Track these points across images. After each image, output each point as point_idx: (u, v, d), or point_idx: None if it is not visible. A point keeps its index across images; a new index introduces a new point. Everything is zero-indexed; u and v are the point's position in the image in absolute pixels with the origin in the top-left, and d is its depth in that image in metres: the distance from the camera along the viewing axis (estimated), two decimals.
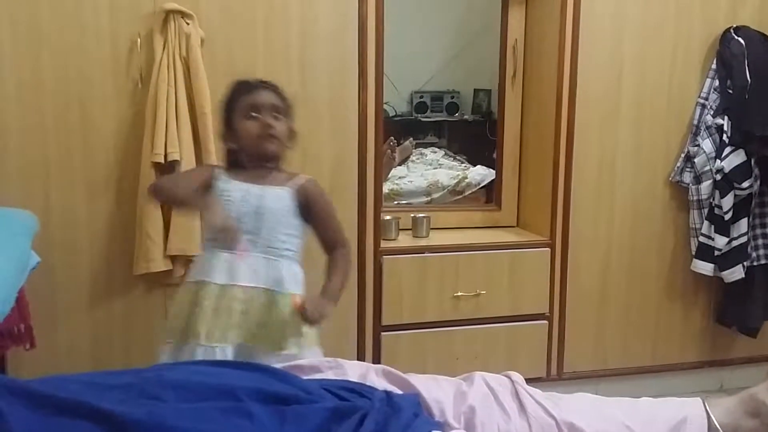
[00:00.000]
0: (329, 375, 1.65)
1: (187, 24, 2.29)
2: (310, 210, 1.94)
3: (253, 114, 1.89)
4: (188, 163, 2.30)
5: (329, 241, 1.98)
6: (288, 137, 1.96)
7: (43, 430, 1.23)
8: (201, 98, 2.30)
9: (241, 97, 1.92)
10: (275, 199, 1.88)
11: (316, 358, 1.75)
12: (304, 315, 1.81)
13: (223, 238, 1.79)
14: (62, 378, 1.45)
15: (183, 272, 2.33)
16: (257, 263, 1.85)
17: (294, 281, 1.90)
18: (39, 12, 2.24)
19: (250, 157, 1.92)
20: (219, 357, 1.77)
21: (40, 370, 1.78)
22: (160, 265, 2.29)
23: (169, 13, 2.28)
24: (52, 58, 2.27)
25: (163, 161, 2.25)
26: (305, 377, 1.60)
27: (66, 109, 2.30)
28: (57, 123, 2.29)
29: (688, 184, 2.86)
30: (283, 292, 1.85)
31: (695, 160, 2.81)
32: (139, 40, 2.31)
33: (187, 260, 2.32)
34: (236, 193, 1.87)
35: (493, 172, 3.15)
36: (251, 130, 1.89)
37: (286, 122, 1.94)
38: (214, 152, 2.31)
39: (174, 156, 2.26)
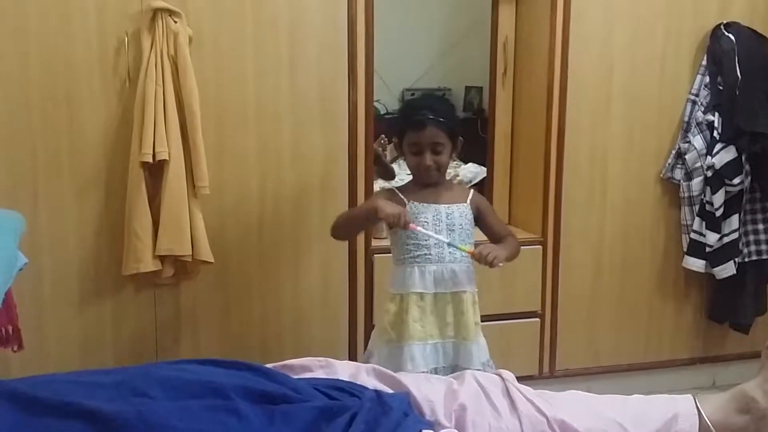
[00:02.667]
0: (320, 374, 1.65)
1: (175, 22, 2.27)
2: (481, 216, 2.19)
3: (415, 150, 2.07)
4: (177, 162, 2.28)
5: (499, 234, 2.21)
6: (449, 160, 2.14)
7: (31, 429, 1.22)
8: (189, 97, 2.28)
9: (407, 132, 2.09)
10: (460, 215, 2.11)
11: (306, 358, 1.74)
12: (481, 257, 2.00)
13: (397, 221, 1.95)
14: (49, 378, 1.44)
15: (172, 272, 2.33)
16: (447, 271, 2.07)
17: (471, 277, 2.14)
18: (25, 11, 2.22)
19: (417, 180, 2.15)
20: (432, 353, 2.04)
21: (28, 373, 1.76)
22: (149, 265, 2.27)
23: (156, 12, 2.26)
24: (39, 56, 2.25)
25: (151, 160, 2.23)
26: (296, 376, 1.60)
27: (53, 109, 2.28)
28: (44, 122, 2.28)
29: (680, 181, 2.86)
30: (458, 245, 2.04)
31: (686, 156, 2.81)
32: (126, 38, 2.29)
33: (175, 260, 2.31)
34: (428, 213, 2.08)
35: (485, 169, 3.15)
36: (412, 165, 2.11)
37: (448, 149, 2.09)
38: (203, 151, 2.29)
39: (162, 155, 2.24)
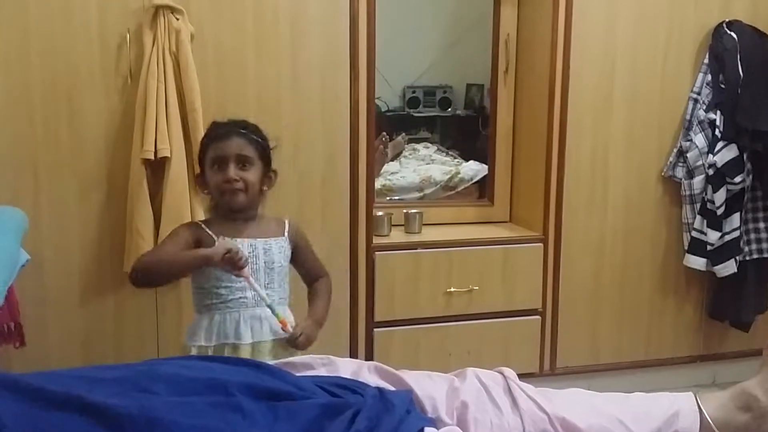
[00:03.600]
0: (322, 372, 1.65)
1: (177, 19, 2.28)
2: (298, 252, 2.01)
3: (217, 166, 1.86)
4: (178, 159, 2.28)
5: (314, 274, 2.05)
6: (260, 184, 1.91)
7: (34, 423, 1.22)
8: (191, 94, 2.29)
9: (210, 145, 1.89)
10: (279, 250, 1.92)
11: (308, 356, 1.74)
12: (292, 340, 1.85)
13: (232, 261, 1.76)
14: (53, 372, 1.44)
15: None
16: (265, 314, 1.87)
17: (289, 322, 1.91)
18: (27, 7, 2.22)
19: (222, 209, 1.91)
20: None
21: (30, 369, 1.77)
22: None
23: (158, 9, 2.26)
24: (41, 54, 2.25)
25: (153, 157, 2.23)
26: (298, 374, 1.60)
27: (55, 106, 2.28)
28: (46, 119, 2.28)
29: (681, 179, 2.86)
30: (274, 309, 1.84)
31: (688, 154, 2.81)
32: (128, 35, 2.29)
33: None
34: (242, 248, 1.83)
35: (486, 167, 3.15)
36: (215, 182, 1.86)
37: (257, 169, 1.89)
38: None
39: (164, 152, 2.24)
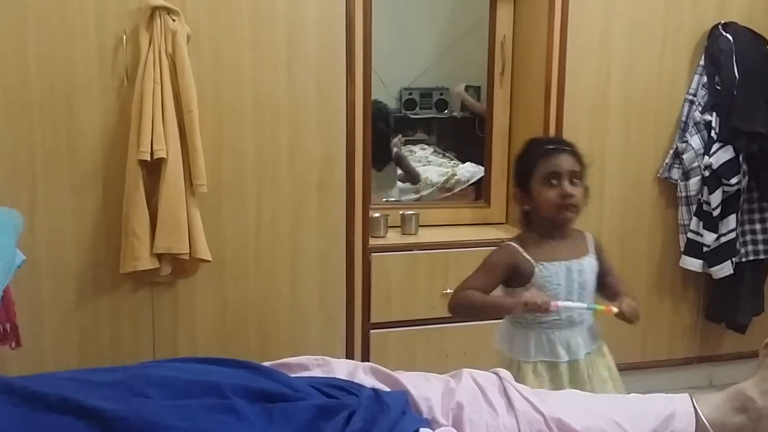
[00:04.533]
0: (317, 373, 1.64)
1: (173, 20, 2.27)
2: (601, 264, 1.98)
3: (553, 182, 1.86)
4: (174, 160, 2.27)
5: (614, 291, 1.97)
6: (584, 199, 1.93)
7: (30, 426, 1.22)
8: (187, 95, 2.28)
9: (540, 161, 1.89)
10: (590, 270, 1.93)
11: (304, 357, 1.74)
12: (624, 317, 1.85)
13: (534, 311, 1.80)
14: (49, 375, 1.44)
15: (169, 270, 2.33)
16: (584, 333, 1.91)
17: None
18: (24, 9, 2.22)
19: (544, 222, 1.92)
20: None
21: (26, 370, 1.77)
22: (146, 263, 2.27)
23: (155, 10, 2.26)
24: (38, 54, 2.25)
25: (149, 159, 2.23)
26: (293, 375, 1.60)
27: (52, 107, 2.28)
28: (43, 120, 2.28)
29: (677, 181, 2.87)
30: (594, 306, 1.87)
31: (684, 156, 2.82)
32: (124, 36, 2.29)
33: (173, 258, 2.31)
34: (560, 273, 1.87)
35: (482, 169, 3.15)
36: (551, 198, 1.86)
37: (582, 185, 1.91)
38: (201, 149, 2.29)
39: (160, 153, 2.24)
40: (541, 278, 1.86)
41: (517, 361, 1.91)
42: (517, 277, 1.89)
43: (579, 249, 1.94)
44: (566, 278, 1.87)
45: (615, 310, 1.84)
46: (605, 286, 1.99)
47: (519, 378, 1.81)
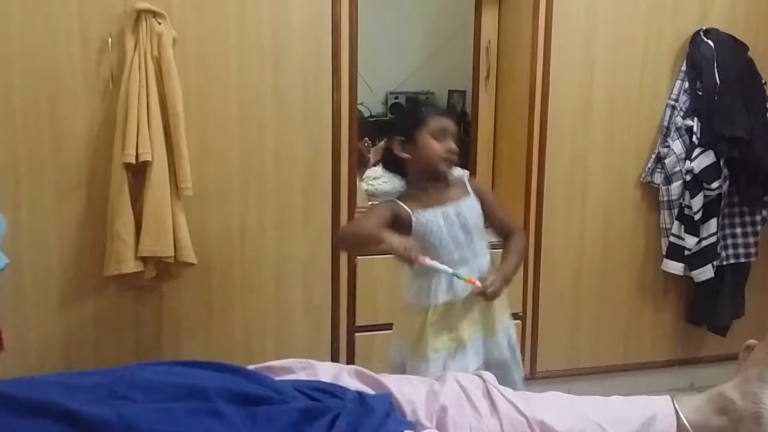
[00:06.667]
0: (301, 376, 1.65)
1: (159, 23, 2.27)
2: (484, 206, 2.11)
3: (440, 137, 2.02)
4: (160, 163, 2.27)
5: (505, 227, 2.16)
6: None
7: (11, 431, 1.21)
8: (173, 98, 2.28)
9: (431, 117, 2.04)
10: (470, 210, 2.05)
11: (288, 360, 1.74)
12: (481, 292, 1.96)
13: (403, 256, 1.87)
14: (31, 379, 1.43)
15: (154, 273, 2.32)
16: (473, 273, 2.01)
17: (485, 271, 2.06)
18: (8, 10, 2.21)
19: (422, 173, 2.06)
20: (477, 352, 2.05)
21: (9, 373, 1.75)
22: (131, 266, 2.26)
23: (140, 13, 2.26)
24: (22, 57, 2.24)
25: (134, 161, 2.23)
26: (277, 378, 1.60)
27: (36, 109, 2.27)
28: (26, 123, 2.27)
29: (659, 185, 2.89)
30: (458, 274, 1.96)
31: (665, 161, 2.85)
32: (110, 39, 2.29)
33: (158, 261, 2.30)
34: (438, 219, 2.00)
35: (468, 172, 3.16)
36: (437, 149, 2.02)
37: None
38: (186, 152, 2.29)
39: (146, 156, 2.23)
40: (419, 225, 1.99)
41: (424, 308, 2.03)
42: (400, 227, 1.99)
43: (456, 193, 2.07)
44: (445, 222, 2.01)
45: (478, 285, 1.96)
46: (494, 223, 2.15)
47: (423, 324, 2.00)
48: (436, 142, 2.02)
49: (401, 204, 2.03)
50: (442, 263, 1.95)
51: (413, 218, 2.00)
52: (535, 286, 2.85)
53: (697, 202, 2.79)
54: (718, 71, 2.78)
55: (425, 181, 2.06)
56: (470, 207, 2.06)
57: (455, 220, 2.02)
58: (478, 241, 2.06)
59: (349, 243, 2.11)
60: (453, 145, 2.03)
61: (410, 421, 1.51)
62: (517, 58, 2.86)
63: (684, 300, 3.05)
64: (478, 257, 2.06)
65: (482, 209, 2.09)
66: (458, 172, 2.14)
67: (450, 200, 2.05)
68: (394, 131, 2.10)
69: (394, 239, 1.88)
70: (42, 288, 2.35)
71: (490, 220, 2.13)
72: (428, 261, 1.92)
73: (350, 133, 2.58)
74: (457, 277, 1.96)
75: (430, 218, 2.00)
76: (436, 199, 2.04)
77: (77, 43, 2.28)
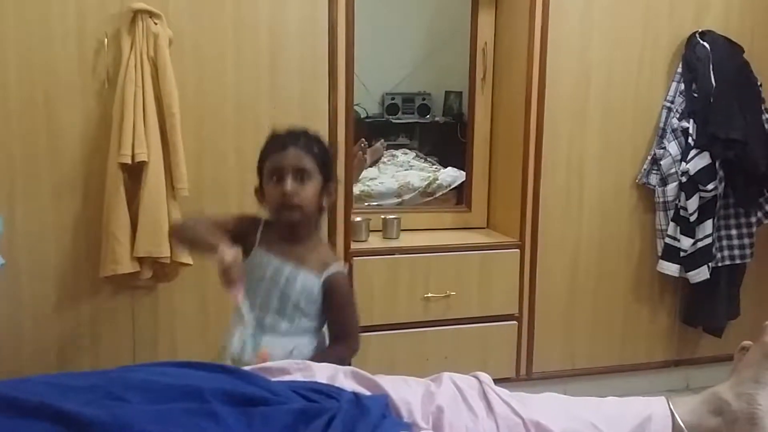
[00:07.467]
0: (297, 377, 1.64)
1: (155, 24, 2.27)
2: (327, 301, 1.83)
3: (276, 179, 1.76)
4: (156, 163, 2.27)
5: (337, 330, 1.88)
6: (318, 199, 1.81)
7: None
8: (169, 99, 2.28)
9: (269, 156, 1.80)
10: (302, 286, 1.78)
11: (285, 361, 1.74)
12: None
13: (227, 277, 1.67)
14: (25, 380, 1.42)
15: (150, 274, 2.31)
16: (274, 342, 1.78)
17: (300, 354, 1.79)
18: (3, 10, 2.20)
19: (277, 224, 1.82)
20: None
21: (4, 374, 1.75)
22: (127, 267, 2.26)
23: (136, 13, 2.26)
24: (17, 57, 2.23)
25: (130, 162, 2.22)
26: (273, 379, 1.59)
27: (31, 109, 2.26)
28: (22, 123, 2.26)
29: (655, 186, 2.90)
30: (254, 338, 1.78)
31: (661, 162, 2.85)
32: (106, 39, 2.28)
33: (154, 262, 2.30)
34: (268, 268, 1.78)
35: (464, 174, 3.17)
36: (273, 196, 1.77)
37: (316, 183, 1.79)
38: (182, 152, 2.29)
39: (142, 157, 2.23)
40: (251, 260, 1.79)
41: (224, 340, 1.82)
42: (244, 248, 1.79)
43: (309, 262, 1.80)
44: (272, 276, 1.77)
45: (263, 356, 1.72)
46: (329, 320, 1.86)
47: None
48: (273, 186, 1.77)
49: (259, 229, 1.83)
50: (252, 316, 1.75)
51: (253, 250, 1.80)
52: (531, 287, 2.85)
53: (693, 203, 2.79)
54: (713, 73, 2.79)
55: (282, 230, 1.82)
56: (305, 283, 1.78)
57: (281, 282, 1.77)
58: (301, 319, 1.80)
59: (188, 237, 1.88)
60: (288, 186, 1.73)
61: (406, 422, 1.51)
62: (513, 59, 2.87)
63: (679, 301, 3.05)
64: (295, 337, 1.79)
65: (326, 302, 1.82)
66: (336, 264, 1.84)
67: (293, 262, 1.79)
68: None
69: (226, 254, 1.65)
70: (38, 288, 2.34)
71: (327, 316, 1.84)
72: (240, 300, 1.70)
73: (347, 134, 2.58)
74: (251, 344, 1.76)
75: (263, 262, 1.78)
76: (284, 251, 1.79)
77: (73, 43, 2.28)
